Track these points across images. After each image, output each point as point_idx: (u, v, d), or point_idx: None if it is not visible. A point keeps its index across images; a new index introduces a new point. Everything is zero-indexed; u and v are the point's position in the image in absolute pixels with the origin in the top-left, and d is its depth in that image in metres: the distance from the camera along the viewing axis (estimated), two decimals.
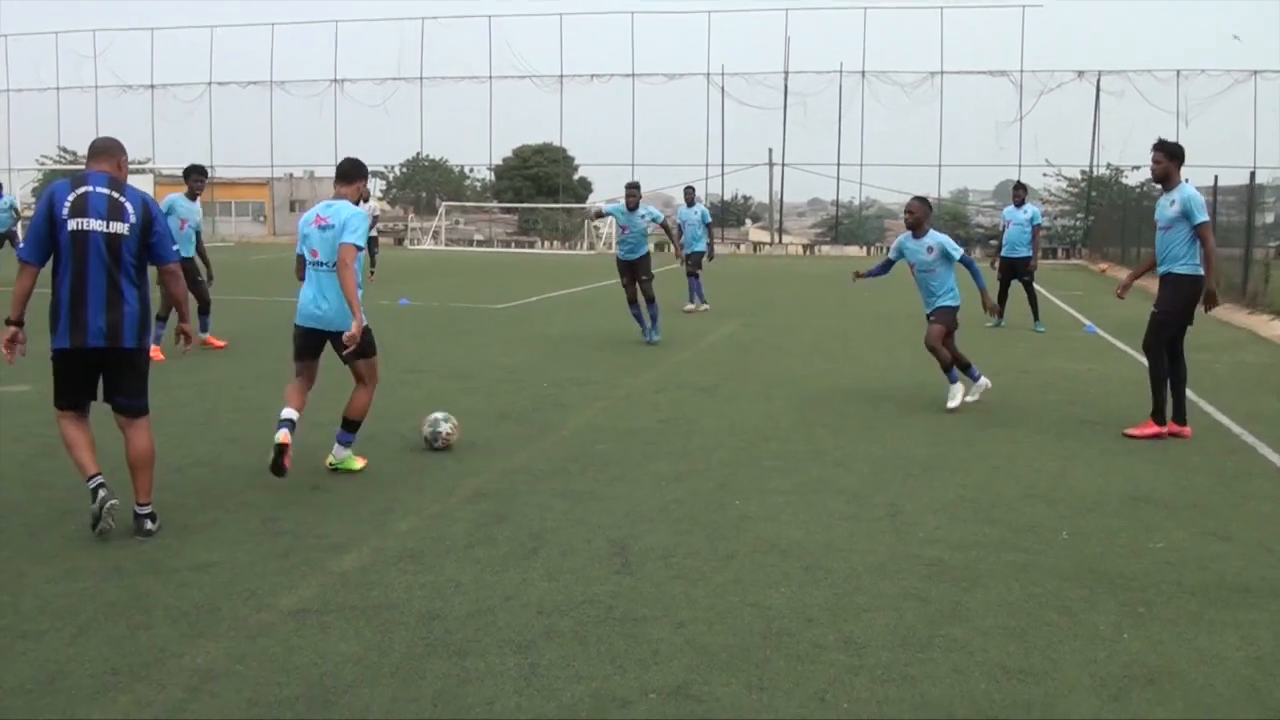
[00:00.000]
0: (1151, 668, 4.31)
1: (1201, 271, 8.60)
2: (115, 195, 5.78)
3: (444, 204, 53.18)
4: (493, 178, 58.97)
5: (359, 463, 7.29)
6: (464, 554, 5.56)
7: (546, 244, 49.58)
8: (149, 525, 5.86)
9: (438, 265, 33.61)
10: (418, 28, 54.52)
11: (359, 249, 7.01)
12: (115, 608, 4.79)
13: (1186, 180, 8.71)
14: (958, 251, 9.73)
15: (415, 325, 15.74)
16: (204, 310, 12.89)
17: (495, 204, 56.86)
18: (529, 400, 9.98)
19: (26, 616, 4.70)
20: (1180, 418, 8.76)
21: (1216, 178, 24.36)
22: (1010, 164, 49.31)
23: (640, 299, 14.09)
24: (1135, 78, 47.89)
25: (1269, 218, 28.66)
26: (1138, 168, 43.16)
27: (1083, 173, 48.69)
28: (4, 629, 4.57)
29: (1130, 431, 8.71)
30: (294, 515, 6.20)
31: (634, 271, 14.03)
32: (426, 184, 60.63)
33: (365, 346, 7.10)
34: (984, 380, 9.99)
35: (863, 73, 50.23)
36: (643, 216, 13.89)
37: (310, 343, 7.26)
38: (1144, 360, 9.09)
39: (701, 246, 19.09)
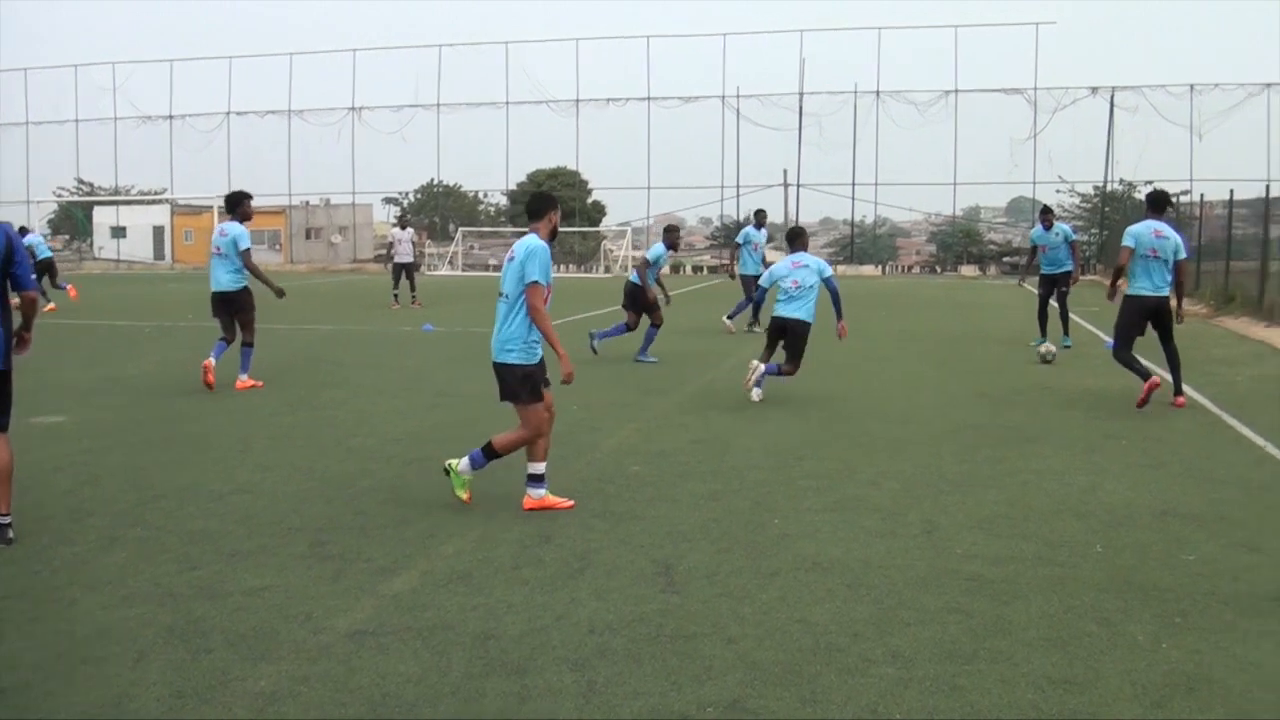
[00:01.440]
0: (1191, 676, 4.39)
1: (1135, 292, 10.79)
2: None
3: (460, 229, 53.38)
4: (507, 202, 59.23)
5: (464, 493, 6.97)
6: (512, 575, 5.66)
7: (562, 267, 49.74)
8: (10, 535, 6.21)
9: (457, 290, 33.74)
10: (435, 55, 54.91)
11: (545, 285, 6.68)
12: (173, 633, 4.87)
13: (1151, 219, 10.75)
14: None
15: (442, 351, 15.88)
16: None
17: (510, 228, 57.07)
18: (560, 423, 9.91)
19: (85, 643, 4.77)
20: (1176, 390, 10.96)
21: (1232, 192, 24.48)
22: (1024, 180, 49.49)
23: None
24: (1149, 93, 47.95)
25: None
26: (1151, 183, 43.04)
27: (1096, 188, 48.68)
28: (64, 655, 4.64)
29: (1140, 400, 10.56)
30: (340, 539, 6.30)
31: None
32: (440, 210, 60.94)
33: (519, 390, 6.84)
34: None
35: (877, 92, 50.39)
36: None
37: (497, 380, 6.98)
38: (1165, 373, 11.02)
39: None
